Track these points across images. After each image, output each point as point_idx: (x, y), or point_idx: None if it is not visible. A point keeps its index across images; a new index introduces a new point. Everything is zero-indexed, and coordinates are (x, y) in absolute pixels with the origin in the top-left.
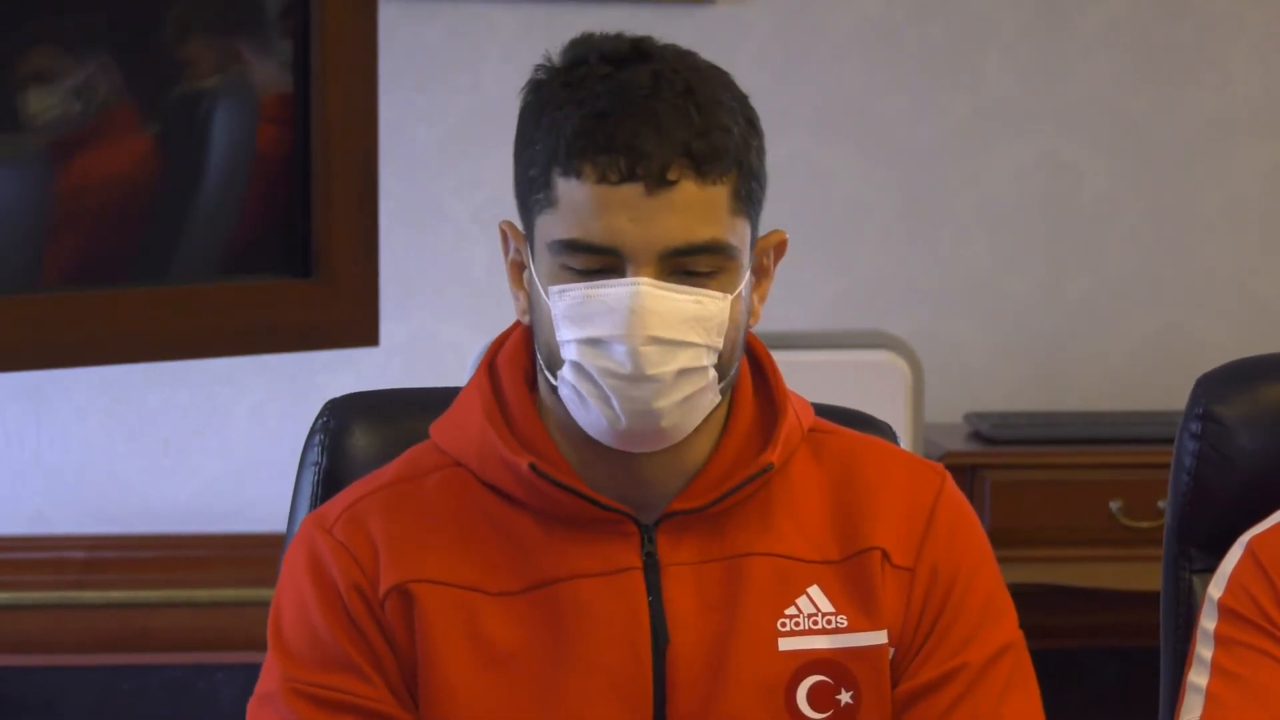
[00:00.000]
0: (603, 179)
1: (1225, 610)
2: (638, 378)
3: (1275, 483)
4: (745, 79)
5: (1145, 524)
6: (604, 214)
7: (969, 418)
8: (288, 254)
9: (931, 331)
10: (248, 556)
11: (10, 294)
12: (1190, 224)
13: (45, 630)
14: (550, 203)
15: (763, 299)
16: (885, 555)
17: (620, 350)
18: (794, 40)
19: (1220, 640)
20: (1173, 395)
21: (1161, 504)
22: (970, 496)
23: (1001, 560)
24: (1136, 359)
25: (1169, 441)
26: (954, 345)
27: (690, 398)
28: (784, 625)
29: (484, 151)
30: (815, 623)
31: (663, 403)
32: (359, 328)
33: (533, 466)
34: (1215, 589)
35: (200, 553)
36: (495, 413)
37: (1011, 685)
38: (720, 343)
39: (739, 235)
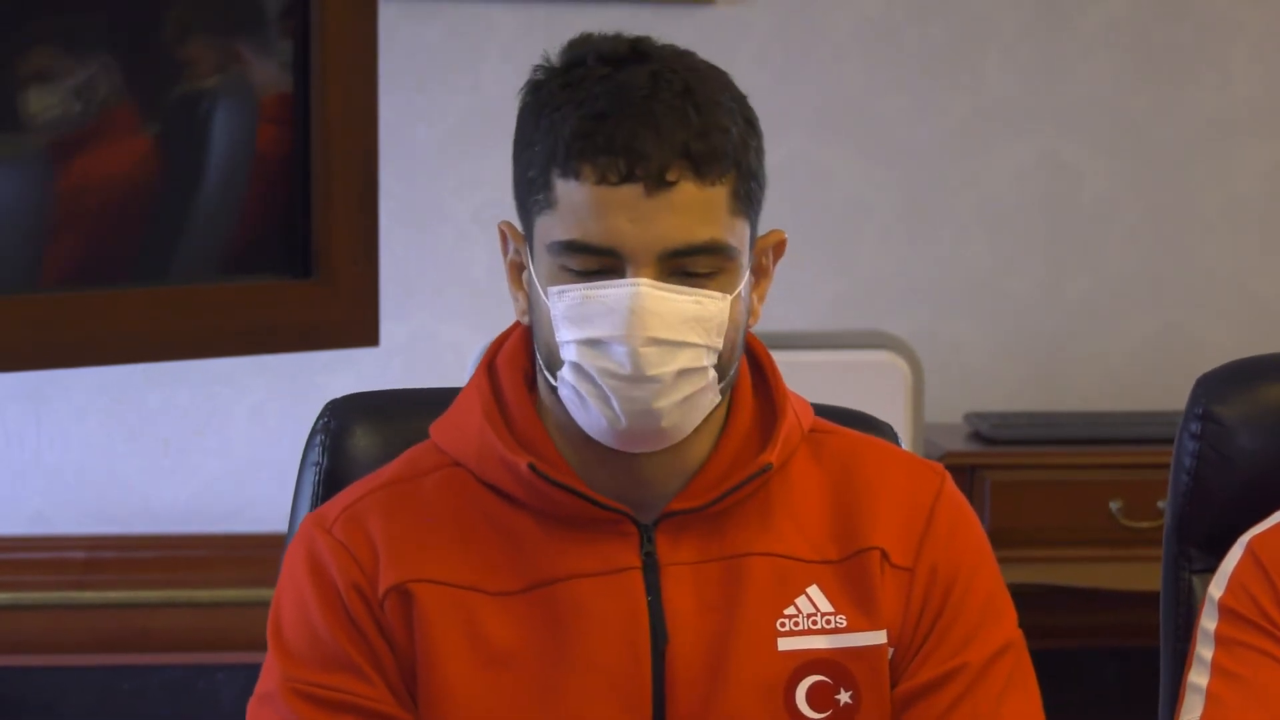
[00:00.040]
0: (602, 180)
1: (1226, 610)
2: (638, 378)
3: (1275, 483)
4: (745, 79)
5: (1145, 524)
6: (603, 215)
7: (969, 418)
8: (288, 254)
9: (931, 331)
10: (248, 557)
11: (10, 294)
12: (1190, 224)
13: (45, 630)
14: (549, 204)
15: (762, 299)
16: (884, 555)
17: (620, 351)
18: (794, 40)
19: (1221, 640)
20: (1173, 395)
21: (1161, 504)
22: (970, 497)
23: (1001, 560)
24: (1136, 359)
25: (1169, 441)
26: (954, 345)
27: (690, 398)
28: (783, 625)
29: (484, 151)
30: (814, 623)
31: (663, 403)
32: (359, 328)
33: (532, 466)
34: (1216, 589)
35: (200, 553)
36: (494, 413)
37: (1011, 685)
38: (720, 343)
39: (738, 235)
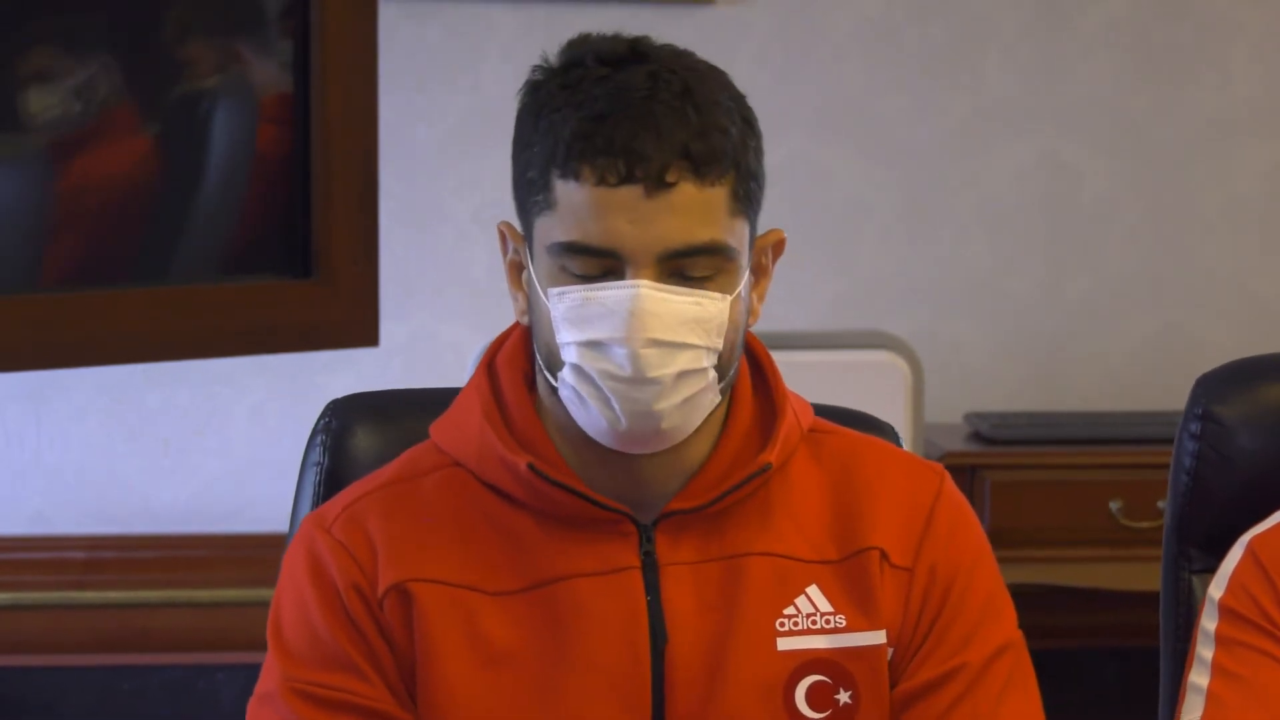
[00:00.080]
0: (601, 181)
1: (1226, 610)
2: (638, 380)
3: (1275, 483)
4: (745, 79)
5: (1145, 524)
6: (603, 216)
7: (969, 418)
8: (288, 254)
9: (931, 331)
10: (248, 557)
11: (10, 294)
12: (1190, 224)
13: (45, 630)
14: (549, 205)
15: (761, 298)
16: (884, 555)
17: (620, 353)
18: (794, 40)
19: (1221, 640)
20: (1173, 395)
21: (1161, 504)
22: (970, 496)
23: (1001, 560)
24: (1136, 359)
25: (1169, 441)
26: (954, 345)
27: (690, 399)
28: (782, 625)
29: (484, 152)
30: (814, 622)
31: (663, 404)
32: (359, 328)
33: (531, 466)
34: (1216, 589)
35: (200, 553)
36: (494, 413)
37: (1011, 685)
38: (720, 344)
39: (738, 236)
